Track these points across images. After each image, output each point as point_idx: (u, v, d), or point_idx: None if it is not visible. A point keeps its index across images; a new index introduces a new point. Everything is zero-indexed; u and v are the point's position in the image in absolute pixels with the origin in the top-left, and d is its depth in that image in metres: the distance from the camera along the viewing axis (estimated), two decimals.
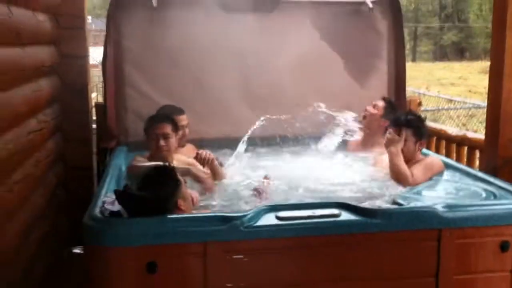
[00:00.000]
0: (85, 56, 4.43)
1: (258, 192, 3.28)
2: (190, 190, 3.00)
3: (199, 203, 3.04)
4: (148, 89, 4.31)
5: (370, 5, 4.49)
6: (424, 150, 3.75)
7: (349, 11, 4.57)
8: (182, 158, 3.76)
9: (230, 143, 4.32)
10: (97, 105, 4.78)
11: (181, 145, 3.98)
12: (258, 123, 4.01)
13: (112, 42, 4.19)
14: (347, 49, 4.61)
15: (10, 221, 2.78)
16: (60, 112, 4.27)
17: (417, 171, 3.37)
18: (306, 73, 4.53)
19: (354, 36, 4.61)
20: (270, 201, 3.07)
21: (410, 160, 3.48)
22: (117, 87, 4.27)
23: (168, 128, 3.63)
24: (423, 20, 39.24)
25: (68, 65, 4.32)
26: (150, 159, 3.59)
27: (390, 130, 3.54)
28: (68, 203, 4.31)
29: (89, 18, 5.96)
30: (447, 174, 3.34)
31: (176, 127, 3.70)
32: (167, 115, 3.77)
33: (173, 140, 3.65)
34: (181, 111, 4.01)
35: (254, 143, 4.29)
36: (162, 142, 3.58)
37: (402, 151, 3.47)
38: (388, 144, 3.50)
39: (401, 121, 3.57)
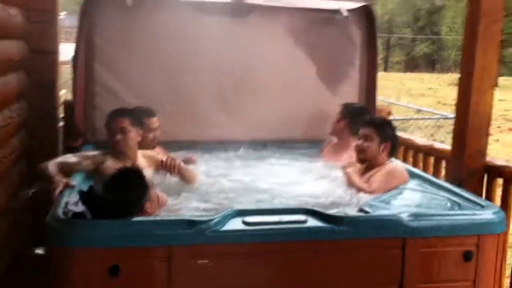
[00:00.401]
0: (55, 52, 4.34)
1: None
2: (158, 191, 2.98)
3: (167, 203, 3.01)
4: (119, 88, 4.25)
5: (345, 14, 4.52)
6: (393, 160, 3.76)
7: (324, 19, 4.59)
8: (149, 153, 3.70)
9: (201, 146, 4.33)
10: (66, 102, 4.70)
11: (151, 146, 3.94)
12: None
13: (84, 39, 4.11)
14: (321, 56, 4.64)
15: None
16: (26, 109, 4.17)
17: (377, 180, 3.35)
18: (280, 78, 4.57)
19: (328, 43, 4.63)
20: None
21: (373, 161, 3.48)
22: (87, 84, 4.20)
23: (125, 122, 3.50)
24: (396, 31, 39.88)
25: (37, 61, 4.22)
26: (109, 155, 3.50)
27: (358, 142, 3.55)
28: (31, 202, 4.21)
29: (62, 14, 5.86)
30: (413, 183, 3.37)
31: (137, 123, 3.58)
32: (126, 110, 3.65)
33: (133, 135, 3.52)
34: (151, 113, 3.96)
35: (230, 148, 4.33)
36: (119, 137, 3.45)
37: (366, 150, 3.48)
38: (345, 168, 3.54)
39: (367, 120, 3.60)
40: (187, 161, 3.92)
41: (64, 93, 4.83)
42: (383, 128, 3.52)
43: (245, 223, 2.51)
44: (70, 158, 3.49)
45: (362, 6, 4.61)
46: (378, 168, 3.45)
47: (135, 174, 2.55)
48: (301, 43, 4.56)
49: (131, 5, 4.01)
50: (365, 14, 4.66)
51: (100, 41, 4.19)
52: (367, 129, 3.52)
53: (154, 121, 3.97)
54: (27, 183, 4.16)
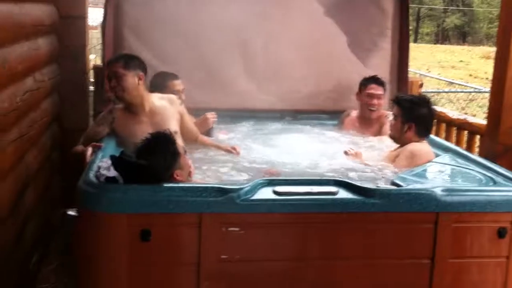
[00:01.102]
0: (83, 17, 4.34)
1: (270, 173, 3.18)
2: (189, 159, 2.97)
3: (194, 173, 3.00)
4: (147, 54, 4.17)
5: None
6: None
7: None
8: (168, 96, 3.55)
9: (228, 114, 4.30)
10: (96, 67, 4.71)
11: None
12: None
13: (112, 6, 4.08)
14: (351, 26, 4.54)
15: (3, 181, 2.74)
16: (57, 73, 4.20)
17: (399, 161, 3.29)
18: (309, 49, 4.50)
19: (359, 13, 4.54)
20: None
21: (399, 141, 3.43)
22: (115, 51, 4.18)
23: (116, 66, 3.25)
24: (426, 1, 38.92)
25: (66, 26, 4.25)
26: (116, 110, 3.40)
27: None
28: (63, 165, 4.27)
29: None
30: (447, 158, 3.30)
31: (134, 68, 3.29)
32: (120, 55, 3.51)
33: (128, 79, 3.24)
34: (175, 76, 3.92)
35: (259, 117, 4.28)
36: (113, 83, 3.25)
37: (390, 129, 3.46)
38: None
39: (394, 98, 3.53)
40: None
41: (93, 58, 4.81)
42: (409, 108, 3.38)
43: (275, 192, 2.48)
44: (90, 132, 3.46)
45: None
46: (401, 149, 3.39)
47: (167, 140, 2.54)
48: (331, 13, 4.47)
49: None
50: None
51: (128, 8, 4.15)
52: (394, 107, 3.45)
53: (177, 84, 3.88)
54: (59, 147, 4.22)
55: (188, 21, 4.28)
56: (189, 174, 2.78)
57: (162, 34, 4.25)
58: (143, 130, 3.01)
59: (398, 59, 4.69)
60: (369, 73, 4.46)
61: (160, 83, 3.82)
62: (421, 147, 3.37)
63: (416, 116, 3.36)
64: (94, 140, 3.28)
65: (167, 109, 3.44)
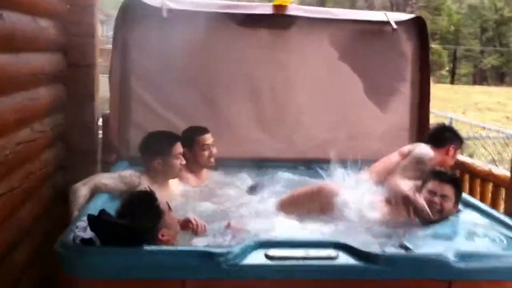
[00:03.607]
0: (93, 65, 4.27)
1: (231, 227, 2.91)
2: (194, 216, 2.81)
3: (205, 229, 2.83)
4: (155, 103, 4.11)
5: (394, 26, 4.22)
6: None
7: (371, 31, 4.31)
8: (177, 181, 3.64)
9: (237, 164, 4.12)
10: (104, 116, 4.63)
11: (208, 165, 3.92)
12: None
13: (119, 51, 4.01)
14: (368, 70, 4.36)
15: None
16: (63, 121, 4.11)
17: None
18: (323, 94, 4.32)
19: (376, 57, 4.35)
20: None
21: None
22: (122, 99, 4.08)
23: (181, 148, 3.57)
24: (463, 42, 38.59)
25: (75, 74, 4.17)
26: (146, 176, 3.43)
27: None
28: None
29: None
30: (466, 215, 3.02)
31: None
32: (175, 134, 3.64)
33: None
34: (204, 130, 3.89)
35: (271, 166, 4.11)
36: (182, 162, 3.52)
37: (443, 210, 3.11)
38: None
39: (446, 178, 3.21)
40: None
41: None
42: (460, 188, 3.21)
43: (267, 256, 2.27)
44: (105, 179, 3.40)
45: (414, 17, 4.34)
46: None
47: (148, 198, 2.36)
48: (346, 57, 4.29)
49: (167, 17, 3.86)
50: (416, 25, 4.36)
51: (135, 55, 4.06)
52: (447, 187, 3.14)
53: (206, 138, 3.86)
54: (61, 198, 4.09)
55: (198, 68, 4.18)
56: (201, 230, 2.68)
57: (170, 81, 4.14)
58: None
59: (418, 104, 4.47)
60: (387, 119, 4.24)
61: (189, 138, 3.80)
62: None
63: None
64: (100, 190, 3.27)
65: (180, 186, 3.67)
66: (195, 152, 3.83)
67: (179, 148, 3.53)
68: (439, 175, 3.22)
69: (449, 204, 3.10)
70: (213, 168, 4.00)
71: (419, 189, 3.25)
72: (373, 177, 3.78)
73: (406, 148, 3.83)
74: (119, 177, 3.42)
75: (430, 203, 3.11)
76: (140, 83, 4.11)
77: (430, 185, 3.17)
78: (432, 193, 3.13)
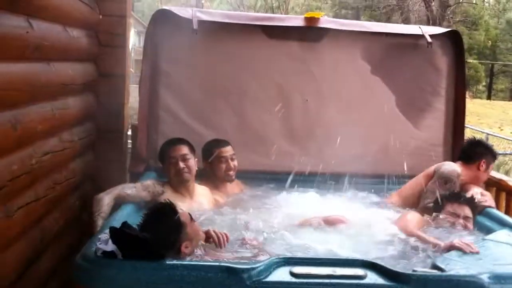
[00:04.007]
0: (124, 75, 4.29)
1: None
2: (215, 229, 2.72)
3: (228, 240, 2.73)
4: (183, 114, 4.09)
5: (429, 39, 4.11)
6: None
7: (405, 44, 4.22)
8: (203, 191, 3.51)
9: (266, 177, 4.05)
10: (133, 126, 4.63)
11: (229, 180, 3.81)
12: None
13: (149, 63, 4.01)
14: (402, 85, 4.26)
15: (5, 250, 2.56)
16: (93, 131, 4.13)
17: None
18: (355, 108, 4.22)
19: (410, 71, 4.24)
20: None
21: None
22: (151, 109, 4.08)
23: (185, 149, 3.45)
24: (501, 57, 37.79)
25: (105, 84, 4.20)
26: (168, 186, 3.42)
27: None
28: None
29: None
30: (502, 235, 2.87)
31: (193, 150, 3.52)
32: (181, 138, 3.57)
33: (193, 163, 3.46)
34: (224, 143, 3.81)
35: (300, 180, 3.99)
36: (181, 164, 3.39)
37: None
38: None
39: (465, 200, 3.24)
40: None
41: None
42: (476, 207, 3.26)
43: (292, 274, 2.20)
44: (128, 189, 3.40)
45: (449, 31, 4.22)
46: None
47: (166, 211, 2.32)
48: (379, 71, 4.20)
49: (197, 28, 3.84)
50: (452, 40, 4.25)
51: (165, 65, 4.06)
52: (466, 208, 3.19)
53: (225, 150, 3.77)
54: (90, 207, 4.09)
55: (228, 80, 4.16)
56: (223, 242, 2.61)
57: (199, 93, 4.13)
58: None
59: (453, 120, 4.34)
60: (420, 134, 4.12)
61: (208, 150, 3.77)
62: None
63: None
64: (123, 199, 3.28)
65: (206, 196, 3.57)
66: (214, 165, 3.76)
67: (175, 151, 3.45)
68: (456, 198, 3.25)
69: (471, 224, 3.13)
70: (238, 181, 3.92)
71: (432, 220, 3.23)
72: (399, 202, 3.76)
73: (432, 168, 3.71)
74: (142, 186, 3.41)
75: (453, 225, 3.10)
76: (169, 94, 4.11)
77: (450, 207, 3.19)
78: (455, 215, 3.14)
